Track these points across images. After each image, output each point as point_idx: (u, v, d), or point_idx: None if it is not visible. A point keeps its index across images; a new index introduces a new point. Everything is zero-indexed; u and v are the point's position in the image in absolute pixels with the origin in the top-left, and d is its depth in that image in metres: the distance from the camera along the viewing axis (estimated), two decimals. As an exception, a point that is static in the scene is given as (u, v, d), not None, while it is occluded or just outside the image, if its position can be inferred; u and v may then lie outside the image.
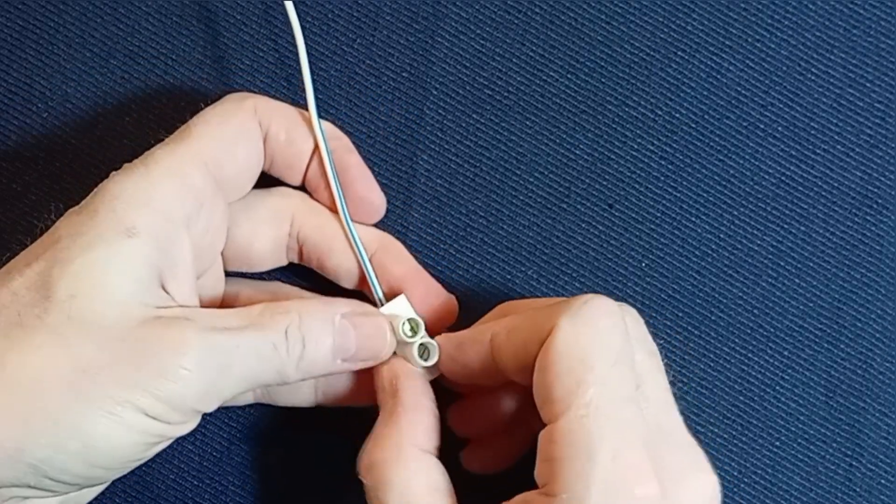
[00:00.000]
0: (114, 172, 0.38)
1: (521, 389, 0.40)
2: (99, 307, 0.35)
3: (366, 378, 0.41)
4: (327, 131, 0.43)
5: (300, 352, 0.38)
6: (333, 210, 0.42)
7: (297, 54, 0.42)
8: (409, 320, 0.41)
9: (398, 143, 0.46)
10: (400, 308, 0.41)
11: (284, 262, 0.43)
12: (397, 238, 0.45)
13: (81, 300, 0.35)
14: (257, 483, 0.45)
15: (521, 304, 0.41)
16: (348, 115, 0.46)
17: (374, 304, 0.42)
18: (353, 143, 0.45)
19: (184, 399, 0.36)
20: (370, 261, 0.42)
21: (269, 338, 0.37)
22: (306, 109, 0.42)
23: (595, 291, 0.45)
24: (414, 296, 0.42)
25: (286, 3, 0.42)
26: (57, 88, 0.46)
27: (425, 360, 0.40)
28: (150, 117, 0.46)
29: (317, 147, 0.42)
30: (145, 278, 0.36)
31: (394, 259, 0.43)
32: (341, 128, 0.45)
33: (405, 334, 0.41)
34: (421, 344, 0.41)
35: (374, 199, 0.43)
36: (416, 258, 0.45)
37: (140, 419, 0.35)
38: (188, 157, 0.39)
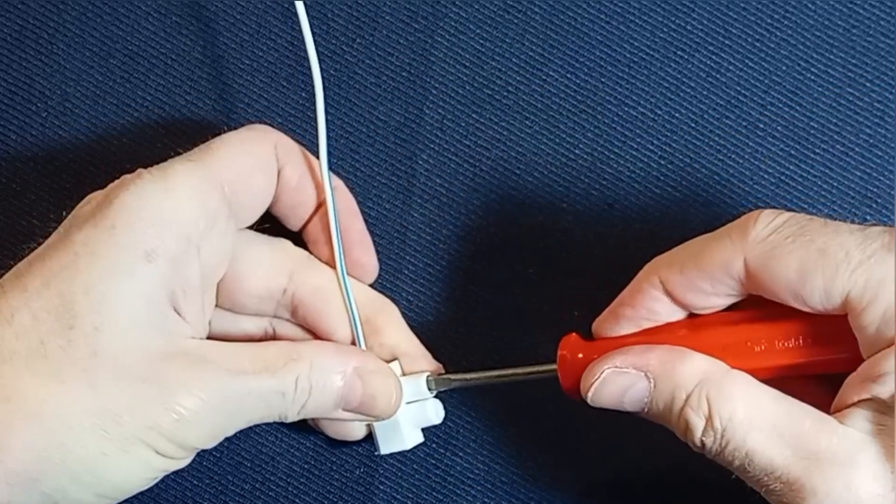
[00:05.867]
0: (128, 178, 0.38)
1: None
2: (122, 342, 0.36)
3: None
4: (337, 189, 0.43)
5: (305, 400, 0.39)
6: (332, 265, 0.43)
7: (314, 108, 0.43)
8: (430, 376, 0.42)
9: (398, 143, 0.46)
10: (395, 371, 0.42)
11: (269, 314, 0.43)
12: (396, 238, 0.45)
13: (105, 334, 0.36)
14: (257, 483, 0.45)
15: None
16: (348, 115, 0.46)
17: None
18: (353, 143, 0.45)
19: (192, 441, 0.37)
20: (365, 323, 0.42)
21: (280, 387, 0.38)
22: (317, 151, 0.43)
23: (595, 291, 0.45)
24: (405, 364, 0.43)
25: (297, 4, 0.42)
26: (57, 88, 0.46)
27: (434, 418, 0.43)
28: (149, 117, 0.46)
29: (323, 203, 0.42)
30: (162, 303, 0.37)
31: (390, 325, 0.43)
32: (342, 128, 0.46)
33: (424, 389, 0.42)
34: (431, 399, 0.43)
35: (369, 265, 0.44)
36: (415, 258, 0.45)
37: (152, 456, 0.36)
38: (208, 177, 0.39)
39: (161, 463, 0.37)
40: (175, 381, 0.36)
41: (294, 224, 0.43)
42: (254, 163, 0.40)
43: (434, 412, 0.43)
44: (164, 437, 0.36)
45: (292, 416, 0.39)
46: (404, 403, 0.42)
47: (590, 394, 0.37)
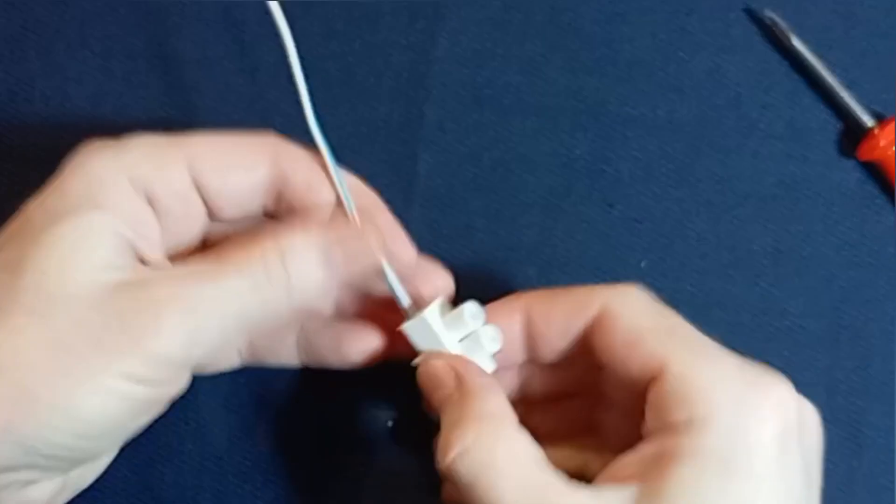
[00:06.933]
0: (90, 144, 0.38)
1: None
2: (70, 280, 0.35)
3: (353, 336, 0.41)
4: (354, 188, 0.41)
5: (285, 278, 0.36)
6: None
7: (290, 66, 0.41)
8: (470, 304, 0.40)
9: (398, 143, 0.46)
10: (436, 314, 0.40)
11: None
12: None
13: (52, 275, 0.35)
14: (257, 483, 0.45)
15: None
16: (348, 115, 0.46)
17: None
18: (353, 143, 0.45)
19: (168, 353, 0.35)
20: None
21: (247, 271, 0.36)
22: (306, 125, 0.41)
23: (595, 291, 0.45)
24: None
25: (271, 3, 0.41)
26: (57, 88, 0.46)
27: (490, 349, 0.39)
28: (149, 117, 0.46)
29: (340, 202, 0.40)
30: (117, 248, 0.36)
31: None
32: (342, 128, 0.46)
33: (471, 320, 0.39)
34: (485, 327, 0.39)
35: (405, 255, 0.41)
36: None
37: (125, 385, 0.35)
38: (172, 150, 0.38)
39: (141, 391, 0.35)
40: (130, 300, 0.35)
41: None
42: (230, 156, 0.39)
43: (491, 340, 0.40)
44: (134, 358, 0.34)
45: (284, 302, 0.37)
46: (456, 341, 0.40)
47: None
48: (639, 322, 0.37)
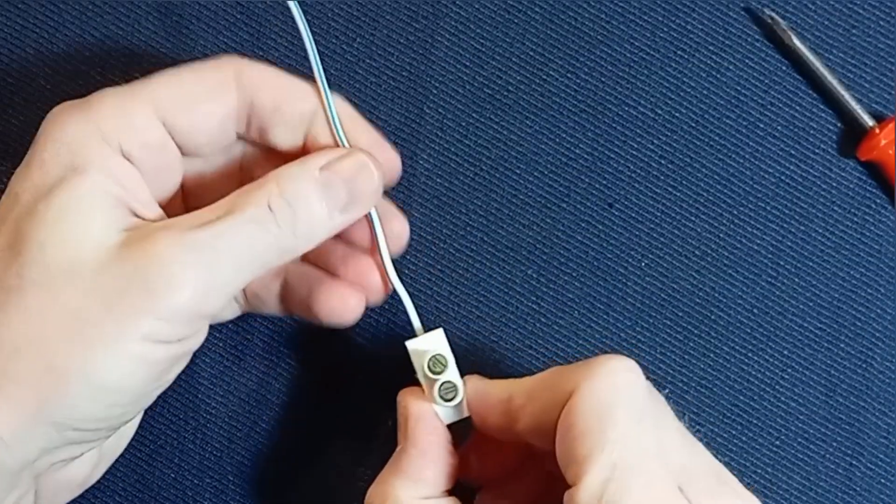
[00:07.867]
0: (57, 109, 0.37)
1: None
2: (71, 248, 0.35)
3: (328, 293, 0.41)
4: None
5: (291, 218, 0.36)
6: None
7: (305, 51, 0.40)
8: (434, 356, 0.39)
9: (398, 143, 0.46)
10: (435, 340, 0.40)
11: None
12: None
13: (53, 247, 0.35)
14: (257, 482, 0.45)
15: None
16: (348, 114, 0.46)
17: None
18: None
19: (184, 308, 0.35)
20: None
21: (253, 215, 0.36)
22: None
23: (595, 291, 0.45)
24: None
25: (290, 2, 0.41)
26: (57, 88, 0.46)
27: (448, 400, 0.39)
28: (150, 117, 0.46)
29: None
30: (111, 208, 0.36)
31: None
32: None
33: (429, 371, 0.39)
34: (445, 383, 0.39)
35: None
36: (415, 258, 0.45)
37: (145, 347, 0.34)
38: (137, 98, 0.37)
39: (163, 350, 0.35)
40: (137, 259, 0.34)
41: (289, 143, 0.40)
42: (196, 88, 0.38)
43: (436, 396, 0.39)
44: (150, 318, 0.34)
45: (293, 242, 0.36)
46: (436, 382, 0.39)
47: None
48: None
